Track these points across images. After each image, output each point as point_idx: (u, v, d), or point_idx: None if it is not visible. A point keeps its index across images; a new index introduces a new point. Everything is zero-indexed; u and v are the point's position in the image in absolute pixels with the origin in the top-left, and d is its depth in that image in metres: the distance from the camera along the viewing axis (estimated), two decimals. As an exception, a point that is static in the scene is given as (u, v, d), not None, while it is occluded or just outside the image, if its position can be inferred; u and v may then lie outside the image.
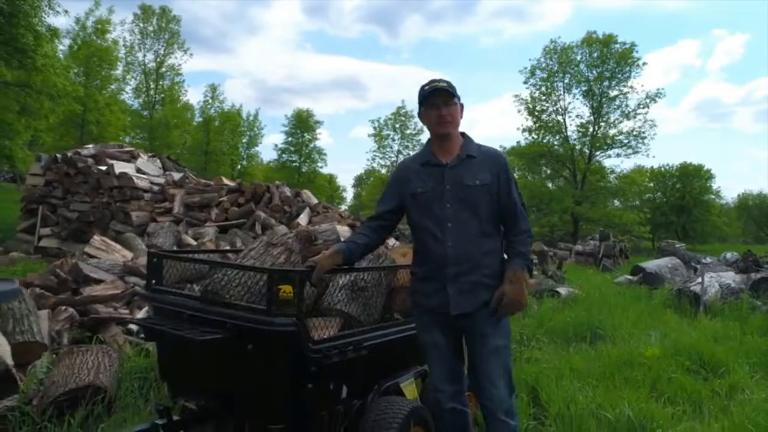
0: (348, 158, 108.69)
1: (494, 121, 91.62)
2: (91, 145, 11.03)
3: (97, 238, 6.35)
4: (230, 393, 2.49)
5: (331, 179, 57.29)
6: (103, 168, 9.60)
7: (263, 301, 2.36)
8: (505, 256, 2.39)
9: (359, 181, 60.98)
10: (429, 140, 2.51)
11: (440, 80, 2.39)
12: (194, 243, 7.42)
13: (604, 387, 3.86)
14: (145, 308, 4.85)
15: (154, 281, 2.74)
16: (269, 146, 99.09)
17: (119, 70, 31.96)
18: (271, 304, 2.25)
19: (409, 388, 2.97)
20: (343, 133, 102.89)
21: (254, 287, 2.51)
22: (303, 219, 9.35)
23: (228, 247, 6.04)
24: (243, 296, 2.49)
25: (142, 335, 4.45)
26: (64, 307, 4.07)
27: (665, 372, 4.32)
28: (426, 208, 2.36)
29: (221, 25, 75.96)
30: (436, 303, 2.34)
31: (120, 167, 9.65)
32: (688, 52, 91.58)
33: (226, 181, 10.30)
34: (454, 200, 2.32)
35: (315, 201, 9.91)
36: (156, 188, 9.87)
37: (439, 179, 2.35)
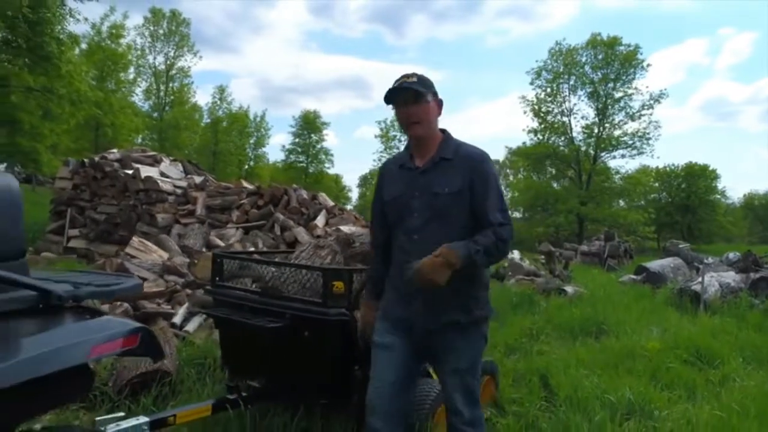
0: (353, 158, 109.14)
1: (500, 121, 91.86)
2: (115, 150, 11.51)
3: (135, 239, 6.80)
4: (285, 373, 2.92)
5: (337, 179, 57.85)
6: (130, 172, 10.06)
7: (317, 295, 2.78)
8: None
9: (364, 181, 61.46)
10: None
11: (411, 75, 2.16)
12: (222, 243, 7.86)
13: (608, 375, 4.26)
14: (186, 304, 5.32)
15: (217, 278, 3.17)
16: (275, 146, 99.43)
17: (131, 73, 32.63)
18: (326, 298, 2.68)
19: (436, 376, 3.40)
20: (347, 133, 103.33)
21: (308, 283, 2.94)
22: (320, 221, 9.77)
23: (265, 249, 6.49)
24: (299, 291, 2.92)
25: (186, 329, 4.94)
26: (119, 302, 4.51)
27: (664, 363, 4.71)
28: (396, 216, 2.18)
29: (226, 25, 76.48)
30: (398, 315, 2.19)
31: (145, 171, 10.11)
32: (695, 51, 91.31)
33: (245, 184, 10.75)
34: (422, 209, 2.11)
35: (331, 203, 10.33)
36: (179, 191, 10.32)
37: (409, 185, 2.15)
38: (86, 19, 17.46)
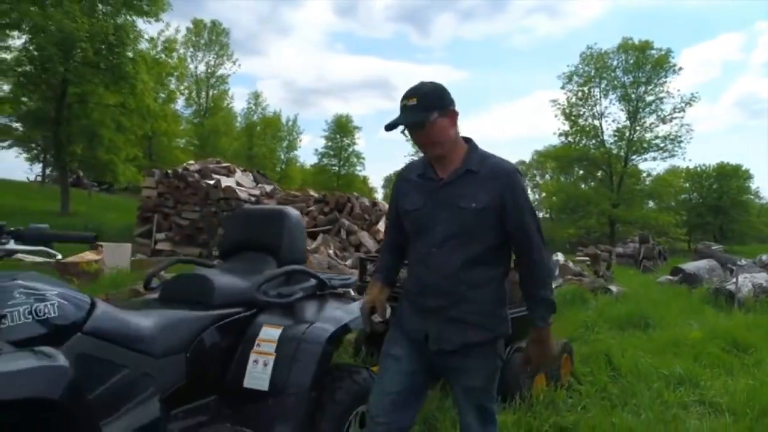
0: (377, 159, 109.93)
1: (526, 120, 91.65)
2: (192, 161, 12.73)
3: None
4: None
5: (365, 180, 59.06)
6: (211, 182, 11.26)
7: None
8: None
9: (388, 182, 62.40)
10: None
11: (412, 95, 1.96)
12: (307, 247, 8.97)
13: (659, 358, 5.18)
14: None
15: (363, 277, 4.20)
16: (303, 148, 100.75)
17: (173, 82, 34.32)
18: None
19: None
20: (371, 134, 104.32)
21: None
22: (381, 225, 10.83)
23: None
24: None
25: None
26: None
27: (705, 349, 5.60)
28: (417, 228, 2.06)
29: (253, 28, 78.21)
30: (412, 329, 2.09)
31: (225, 181, 11.30)
32: (729, 47, 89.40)
33: (311, 192, 11.86)
34: (444, 223, 1.98)
35: (390, 210, 11.37)
36: (253, 199, 11.49)
37: (431, 196, 2.02)
38: (152, 40, 19.04)
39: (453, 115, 2.01)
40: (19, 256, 1.87)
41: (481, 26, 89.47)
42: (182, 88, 36.85)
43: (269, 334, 2.30)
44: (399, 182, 2.19)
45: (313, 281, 2.73)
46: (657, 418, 3.60)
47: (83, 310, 1.88)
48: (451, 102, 2.01)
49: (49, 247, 1.75)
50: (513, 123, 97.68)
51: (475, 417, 2.08)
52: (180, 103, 37.72)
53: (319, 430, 2.25)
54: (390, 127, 1.98)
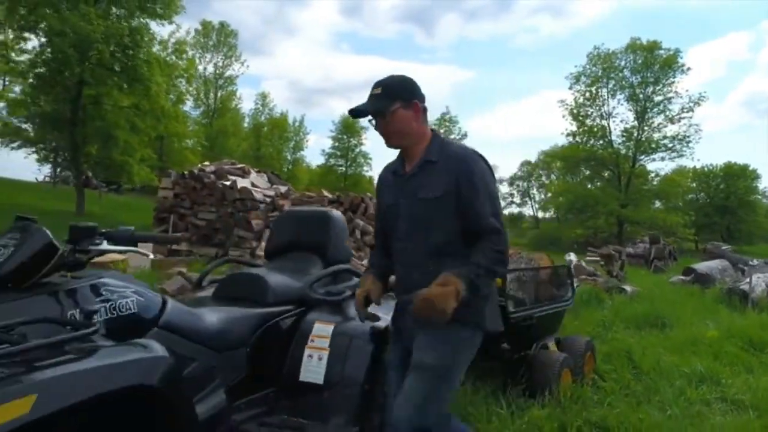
0: (384, 159, 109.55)
1: (532, 120, 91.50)
2: (207, 162, 12.88)
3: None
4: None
5: (371, 181, 59.15)
6: (227, 183, 11.38)
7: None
8: None
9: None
10: None
11: (378, 85, 2.03)
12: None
13: (678, 356, 5.27)
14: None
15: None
16: (309, 148, 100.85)
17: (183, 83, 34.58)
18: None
19: (552, 348, 4.47)
20: (376, 133, 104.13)
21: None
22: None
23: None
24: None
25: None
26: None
27: (723, 348, 5.68)
28: (390, 224, 2.10)
29: (258, 28, 78.38)
30: (396, 325, 2.14)
31: (240, 182, 11.43)
32: (736, 46, 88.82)
33: (325, 193, 11.97)
34: (408, 217, 2.02)
35: (404, 210, 11.48)
36: (268, 199, 11.61)
37: (400, 191, 2.06)
38: (163, 43, 19.30)
39: (417, 109, 2.03)
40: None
41: (486, 26, 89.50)
42: (191, 89, 37.16)
43: (322, 330, 2.42)
44: (379, 181, 2.24)
45: (356, 280, 2.84)
46: (682, 414, 3.70)
47: (157, 306, 2.00)
48: (417, 96, 2.04)
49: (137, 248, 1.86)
50: (518, 123, 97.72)
51: (414, 402, 1.88)
52: (189, 105, 38.06)
53: (370, 421, 2.36)
54: (353, 113, 2.04)
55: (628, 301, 8.20)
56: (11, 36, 17.15)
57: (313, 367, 2.35)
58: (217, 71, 39.52)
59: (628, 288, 8.95)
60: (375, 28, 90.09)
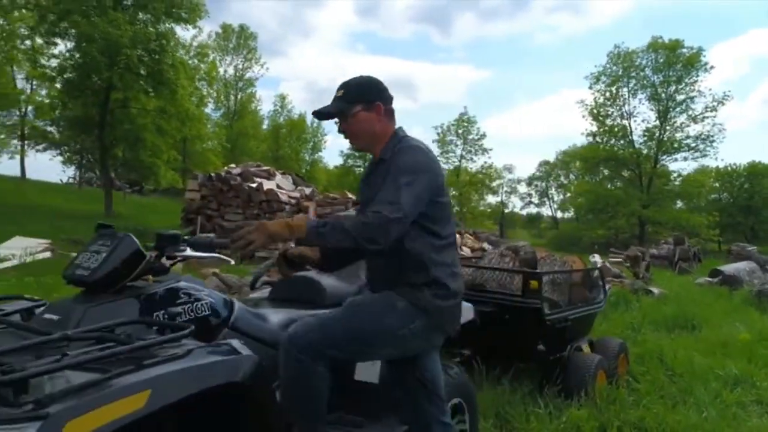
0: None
1: (550, 119, 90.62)
2: (233, 165, 13.10)
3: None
4: (489, 345, 4.12)
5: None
6: (253, 185, 11.59)
7: (510, 289, 3.97)
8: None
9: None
10: None
11: (341, 87, 2.07)
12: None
13: (711, 358, 5.28)
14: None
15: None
16: (327, 149, 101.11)
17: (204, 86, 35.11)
18: (525, 292, 3.87)
19: (586, 350, 4.53)
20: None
21: (503, 281, 4.14)
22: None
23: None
24: (497, 286, 4.12)
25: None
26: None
27: (756, 351, 5.67)
28: None
29: (275, 29, 78.67)
30: None
31: (267, 184, 11.62)
32: (760, 43, 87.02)
33: (349, 194, 12.10)
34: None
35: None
36: (293, 201, 11.78)
37: (364, 190, 2.15)
38: (186, 45, 19.72)
39: (380, 110, 2.04)
40: None
41: (503, 25, 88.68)
42: (211, 91, 37.64)
43: (376, 331, 2.51)
44: (361, 180, 2.29)
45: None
46: (719, 416, 3.73)
47: (227, 308, 2.11)
48: (381, 97, 2.05)
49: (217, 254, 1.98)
50: (536, 122, 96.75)
51: (319, 318, 2.02)
52: (210, 107, 38.55)
53: (419, 422, 2.45)
54: (316, 114, 2.08)
55: (655, 303, 8.19)
56: (41, 42, 17.67)
57: (369, 367, 2.45)
58: (237, 73, 39.96)
59: (654, 290, 8.93)
60: (391, 29, 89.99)
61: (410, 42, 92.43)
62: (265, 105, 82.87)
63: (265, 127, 46.95)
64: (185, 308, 1.92)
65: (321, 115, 2.06)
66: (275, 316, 2.34)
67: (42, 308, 1.92)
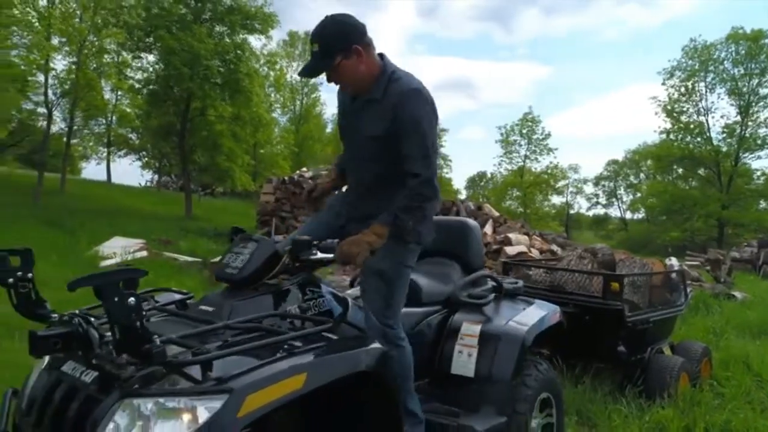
0: (458, 159, 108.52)
1: (618, 116, 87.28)
2: (305, 168, 13.64)
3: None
4: (569, 345, 4.21)
5: (449, 182, 58.98)
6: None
7: (589, 290, 4.05)
8: None
9: (472, 183, 61.46)
10: None
11: (315, 40, 2.06)
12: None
13: (802, 366, 5.10)
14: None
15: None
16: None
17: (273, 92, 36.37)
18: (606, 294, 3.95)
19: (667, 352, 4.53)
20: (452, 134, 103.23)
21: (582, 283, 4.23)
22: (488, 229, 11.07)
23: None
24: (576, 288, 4.21)
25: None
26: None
27: None
28: (342, 142, 2.39)
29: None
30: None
31: (338, 187, 12.05)
32: None
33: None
34: (350, 148, 2.29)
35: (496, 213, 11.60)
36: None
37: (347, 120, 2.29)
38: (258, 54, 20.75)
39: (359, 52, 2.03)
40: None
41: (567, 20, 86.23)
42: (278, 96, 38.96)
43: (470, 329, 2.72)
44: (340, 99, 2.30)
45: (491, 284, 3.12)
46: (811, 424, 3.66)
47: (342, 304, 2.38)
48: (355, 38, 2.04)
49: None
50: (603, 120, 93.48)
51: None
52: (277, 112, 39.89)
53: (515, 411, 2.63)
54: (302, 74, 2.14)
55: (739, 308, 7.90)
56: (128, 55, 19.10)
57: (464, 362, 2.65)
58: (303, 79, 41.06)
59: (737, 294, 8.60)
60: (452, 28, 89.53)
61: (471, 41, 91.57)
62: (330, 108, 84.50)
63: (329, 130, 48.03)
64: (311, 304, 2.20)
65: (305, 72, 2.11)
66: None
67: (192, 300, 2.26)
